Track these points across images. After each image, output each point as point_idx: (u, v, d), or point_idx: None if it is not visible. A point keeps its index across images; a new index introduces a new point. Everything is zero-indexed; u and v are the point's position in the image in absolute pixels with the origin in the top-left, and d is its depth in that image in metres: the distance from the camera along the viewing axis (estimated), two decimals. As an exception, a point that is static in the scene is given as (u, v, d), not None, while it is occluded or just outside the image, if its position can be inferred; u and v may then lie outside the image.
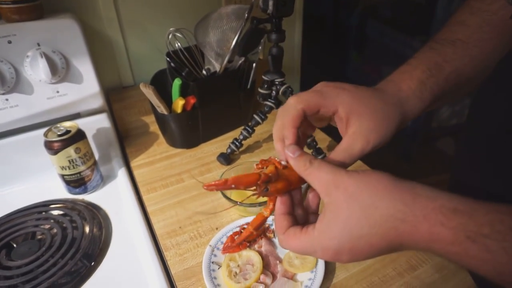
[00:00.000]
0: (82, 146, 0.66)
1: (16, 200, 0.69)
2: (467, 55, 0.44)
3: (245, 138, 0.75)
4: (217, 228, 0.61)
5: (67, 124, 0.67)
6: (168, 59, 0.77)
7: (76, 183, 0.69)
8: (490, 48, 0.45)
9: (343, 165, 0.36)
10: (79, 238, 0.60)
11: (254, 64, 0.81)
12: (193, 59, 0.80)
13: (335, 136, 0.83)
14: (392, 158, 2.26)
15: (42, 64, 0.65)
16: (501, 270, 0.26)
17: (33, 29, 0.66)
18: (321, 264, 0.52)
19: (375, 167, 0.75)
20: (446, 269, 0.53)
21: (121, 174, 0.74)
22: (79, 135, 0.66)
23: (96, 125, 0.78)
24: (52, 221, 0.64)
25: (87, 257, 0.58)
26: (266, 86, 0.71)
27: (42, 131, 0.65)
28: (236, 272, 0.51)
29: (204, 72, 0.78)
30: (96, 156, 0.76)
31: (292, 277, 0.51)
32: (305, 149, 0.65)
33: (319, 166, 0.33)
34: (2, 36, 0.63)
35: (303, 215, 0.38)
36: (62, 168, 0.66)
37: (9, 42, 0.64)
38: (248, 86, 0.83)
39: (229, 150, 0.75)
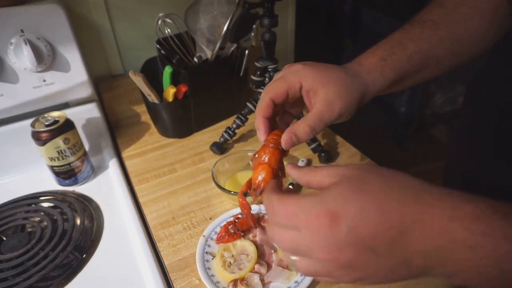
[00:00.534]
0: (71, 136, 0.65)
1: (5, 192, 0.67)
2: (436, 35, 0.44)
3: (238, 126, 0.74)
4: (210, 218, 0.60)
5: (55, 114, 0.65)
6: (158, 46, 0.75)
7: (66, 174, 0.67)
8: (463, 30, 0.45)
9: (313, 130, 0.39)
10: (70, 230, 0.59)
11: (246, 51, 0.80)
12: (184, 46, 0.78)
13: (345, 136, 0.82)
14: (386, 145, 2.27)
15: (27, 51, 0.62)
16: None
17: (16, 15, 0.63)
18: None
19: (369, 153, 0.75)
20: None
21: (113, 165, 0.72)
22: (68, 125, 0.64)
23: (85, 115, 0.76)
24: (42, 213, 0.63)
25: (78, 249, 0.57)
26: (259, 73, 0.69)
27: (29, 121, 0.63)
28: (230, 262, 0.51)
29: (195, 59, 0.76)
30: (86, 146, 0.74)
31: (287, 266, 0.50)
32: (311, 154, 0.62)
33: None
34: (-17, 22, 0.61)
35: None
36: (51, 159, 0.65)
37: (-9, 28, 0.62)
38: (241, 74, 0.82)
39: (222, 139, 0.74)
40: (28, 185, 0.69)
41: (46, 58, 0.66)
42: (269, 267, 0.51)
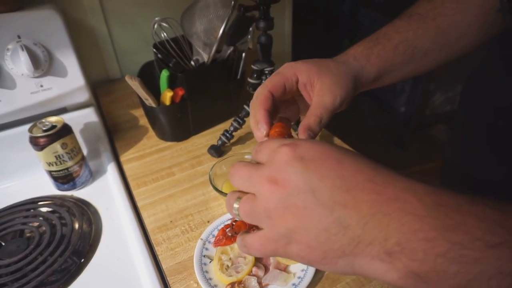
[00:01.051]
0: (68, 141, 0.65)
1: (3, 198, 0.68)
2: (421, 27, 0.45)
3: (235, 129, 0.74)
4: (208, 221, 0.60)
5: (53, 119, 0.65)
6: (154, 50, 0.76)
7: (64, 179, 0.68)
8: (449, 23, 0.46)
9: (320, 121, 0.38)
10: (68, 235, 0.59)
11: (243, 54, 0.80)
12: (181, 50, 0.79)
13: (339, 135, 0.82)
14: (386, 145, 2.27)
15: (24, 57, 0.63)
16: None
17: (13, 21, 0.63)
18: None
19: (368, 154, 0.75)
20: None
21: (111, 169, 0.73)
22: (65, 130, 0.65)
23: (83, 119, 0.76)
24: (40, 218, 0.63)
25: (76, 254, 0.57)
26: (255, 75, 0.70)
27: (27, 126, 0.64)
28: (228, 265, 0.51)
29: (192, 62, 0.77)
30: (85, 151, 0.75)
31: (284, 269, 0.51)
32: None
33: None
34: (-20, 29, 0.61)
35: None
36: (49, 164, 0.65)
37: (-12, 35, 0.62)
38: (238, 76, 0.82)
39: (219, 142, 0.74)
40: (26, 190, 0.69)
41: (43, 64, 0.66)
42: (266, 270, 0.51)
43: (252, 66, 0.69)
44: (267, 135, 0.37)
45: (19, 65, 0.64)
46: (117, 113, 0.89)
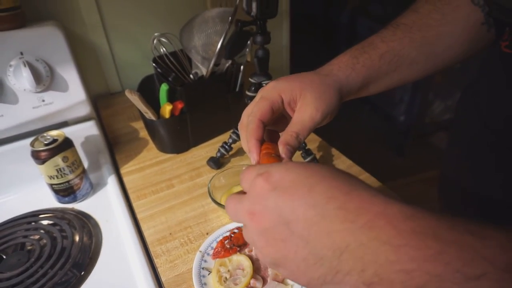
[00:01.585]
0: (69, 154, 0.66)
1: (5, 210, 0.68)
2: (407, 37, 0.46)
3: (234, 141, 0.75)
4: (207, 233, 0.61)
5: (54, 133, 0.66)
6: (154, 64, 0.77)
7: (65, 192, 0.68)
8: (435, 34, 0.47)
9: (297, 137, 0.39)
10: (68, 248, 0.60)
11: (241, 67, 0.81)
12: (180, 64, 0.80)
13: (325, 138, 0.83)
14: (385, 153, 2.28)
15: (26, 73, 0.64)
16: None
17: (16, 38, 0.65)
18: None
19: (368, 163, 0.76)
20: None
21: (111, 182, 0.73)
22: (66, 144, 0.66)
23: (84, 132, 0.77)
24: (41, 231, 0.64)
25: (77, 267, 0.58)
26: (253, 88, 0.71)
27: (29, 140, 0.65)
28: (226, 277, 0.51)
29: (191, 76, 0.78)
30: (85, 164, 0.76)
31: (282, 281, 0.51)
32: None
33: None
34: (-16, 46, 0.63)
35: None
36: (50, 177, 0.66)
37: (-8, 52, 0.64)
38: (237, 89, 0.83)
39: (218, 154, 0.75)
40: (28, 203, 0.70)
41: (44, 79, 0.68)
42: (264, 281, 0.51)
43: (250, 79, 0.70)
44: (258, 162, 0.39)
45: (21, 80, 0.66)
46: (118, 126, 0.91)
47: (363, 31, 2.42)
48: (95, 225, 0.66)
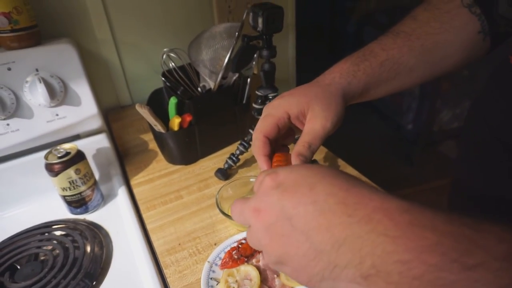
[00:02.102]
0: (82, 167, 0.68)
1: (20, 221, 0.70)
2: (406, 45, 0.47)
3: (241, 153, 0.76)
4: (215, 244, 0.62)
5: (67, 146, 0.68)
6: (163, 78, 0.79)
7: (77, 203, 0.70)
8: (433, 42, 0.48)
9: (310, 147, 0.40)
10: (80, 258, 0.61)
11: (248, 79, 0.83)
12: (188, 77, 0.82)
13: (333, 147, 0.84)
14: (394, 163, 2.27)
15: (41, 89, 0.67)
16: None
17: (32, 56, 0.68)
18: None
19: (377, 172, 0.76)
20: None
21: (121, 193, 0.75)
22: (79, 156, 0.68)
23: (95, 145, 0.80)
24: (54, 242, 0.65)
25: (88, 277, 0.59)
26: (260, 101, 0.72)
27: (43, 153, 0.67)
28: (234, 288, 0.52)
29: (199, 89, 0.80)
30: (97, 175, 0.78)
31: (289, 291, 0.52)
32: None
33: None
34: (1, 63, 0.66)
35: None
36: (63, 189, 0.68)
37: (9, 69, 0.66)
38: (244, 101, 0.85)
39: (226, 165, 0.76)
40: (42, 213, 0.72)
41: (58, 94, 0.70)
42: (272, 291, 0.52)
43: (257, 92, 0.71)
44: None
45: (36, 96, 0.68)
46: (128, 138, 0.93)
47: (370, 40, 2.39)
48: (106, 235, 0.67)
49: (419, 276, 0.21)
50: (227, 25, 0.74)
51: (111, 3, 0.92)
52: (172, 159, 0.83)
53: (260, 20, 0.63)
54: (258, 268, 0.54)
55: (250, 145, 0.76)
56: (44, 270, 0.59)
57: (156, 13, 0.99)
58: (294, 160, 0.40)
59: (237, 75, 0.80)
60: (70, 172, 0.66)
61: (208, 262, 0.56)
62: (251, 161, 0.82)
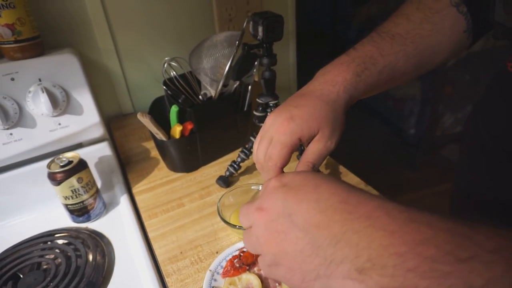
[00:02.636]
0: (84, 175, 0.68)
1: (23, 230, 0.71)
2: (402, 50, 0.48)
3: (243, 160, 0.76)
4: (217, 252, 0.62)
5: (69, 154, 0.69)
6: (164, 87, 0.80)
7: (80, 212, 0.71)
8: (426, 45, 0.49)
9: (314, 167, 0.42)
10: (82, 267, 0.62)
11: (249, 87, 0.83)
12: (189, 86, 0.83)
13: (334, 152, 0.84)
14: (397, 167, 2.26)
15: (44, 98, 0.67)
16: None
17: (35, 66, 0.68)
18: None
19: (379, 177, 0.76)
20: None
21: (123, 201, 0.75)
22: (81, 165, 0.68)
23: (97, 153, 0.80)
24: (57, 250, 0.65)
25: (91, 286, 0.59)
26: (260, 108, 0.73)
27: (45, 162, 0.67)
28: (235, 296, 0.52)
29: (200, 97, 0.81)
30: (99, 184, 0.78)
31: (291, 299, 0.51)
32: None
33: None
34: (5, 74, 0.66)
35: None
36: (66, 198, 0.68)
37: (12, 79, 0.67)
38: (245, 108, 0.85)
39: (227, 173, 0.77)
40: (45, 222, 0.72)
41: (61, 104, 0.71)
42: (273, 300, 0.52)
43: (257, 100, 0.72)
44: None
45: (39, 105, 0.69)
46: (130, 146, 0.93)
47: (371, 46, 2.43)
48: (108, 244, 0.67)
49: (413, 268, 0.21)
50: (227, 34, 0.75)
51: (113, 14, 0.93)
52: (173, 167, 0.83)
53: (260, 29, 0.64)
54: (259, 276, 0.54)
55: (251, 152, 0.77)
56: (46, 279, 0.60)
57: (157, 23, 1.00)
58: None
59: (238, 82, 0.81)
60: (73, 181, 0.66)
61: (210, 270, 0.56)
62: (252, 168, 0.82)
